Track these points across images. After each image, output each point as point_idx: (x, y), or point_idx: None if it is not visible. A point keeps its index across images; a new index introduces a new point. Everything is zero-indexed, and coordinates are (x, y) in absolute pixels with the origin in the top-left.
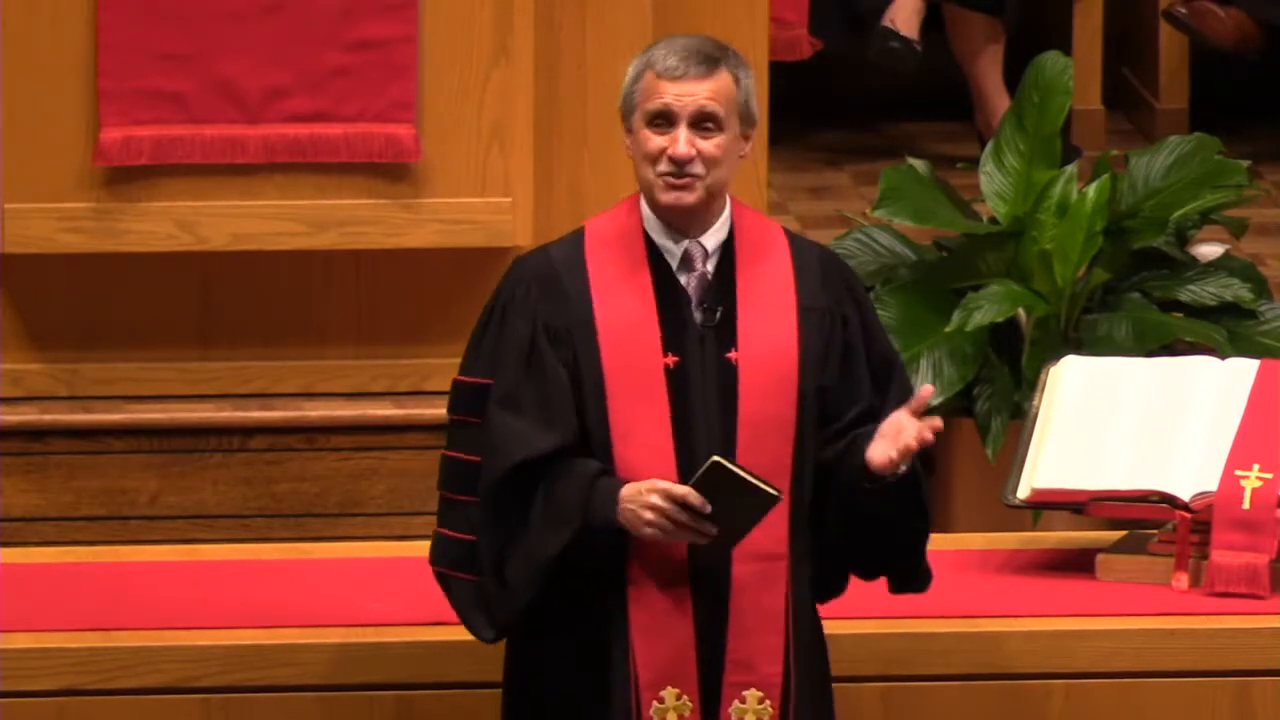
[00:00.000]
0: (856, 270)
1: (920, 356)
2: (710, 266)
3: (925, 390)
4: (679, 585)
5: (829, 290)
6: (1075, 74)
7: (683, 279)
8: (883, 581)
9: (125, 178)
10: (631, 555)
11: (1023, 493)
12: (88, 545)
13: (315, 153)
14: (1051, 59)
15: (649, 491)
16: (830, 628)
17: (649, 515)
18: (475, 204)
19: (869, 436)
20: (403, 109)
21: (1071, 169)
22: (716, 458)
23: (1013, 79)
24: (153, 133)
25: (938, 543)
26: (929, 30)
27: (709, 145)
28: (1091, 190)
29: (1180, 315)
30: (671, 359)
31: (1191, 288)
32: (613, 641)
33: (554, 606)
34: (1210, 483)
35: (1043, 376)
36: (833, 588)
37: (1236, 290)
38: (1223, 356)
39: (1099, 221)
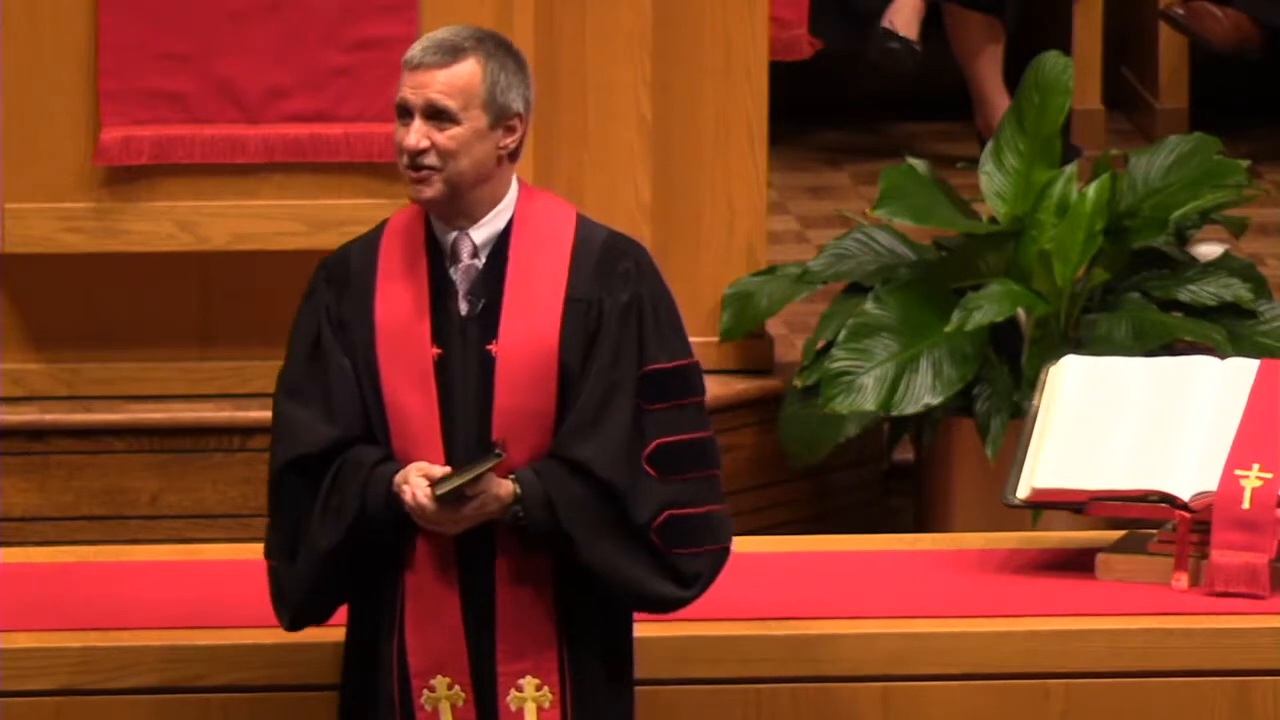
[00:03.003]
0: (856, 270)
1: (920, 356)
2: (483, 257)
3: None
4: (448, 577)
5: (601, 279)
6: (1075, 74)
7: (452, 271)
8: (881, 581)
9: (125, 177)
10: (410, 546)
11: (1022, 492)
12: (88, 545)
13: (315, 153)
14: (1051, 59)
15: (413, 470)
16: (830, 628)
17: (406, 499)
18: None
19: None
20: None
21: (1071, 169)
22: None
23: (1013, 79)
24: (153, 132)
25: (938, 543)
26: (929, 30)
27: (442, 137)
28: (1091, 190)
29: (1180, 315)
30: (435, 350)
31: (1191, 288)
32: (384, 631)
33: (344, 599)
34: (1210, 482)
35: (1043, 376)
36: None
37: (1236, 290)
38: (1223, 356)
39: (1099, 221)
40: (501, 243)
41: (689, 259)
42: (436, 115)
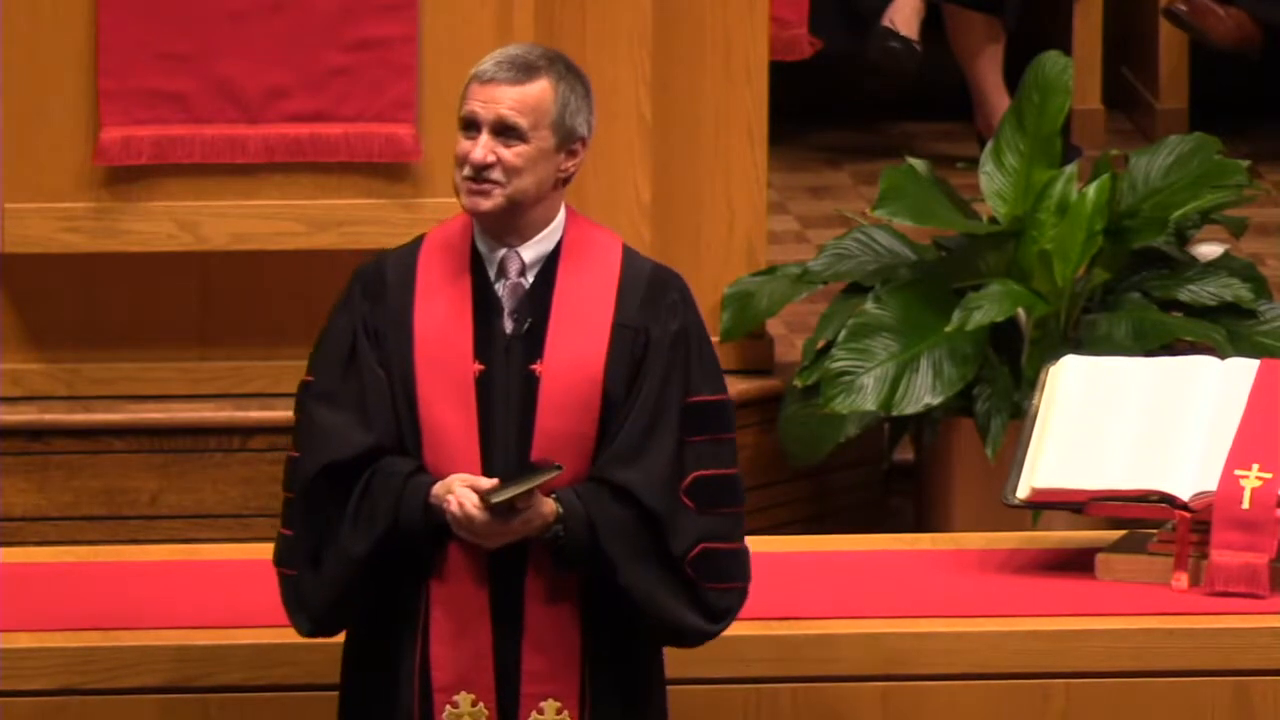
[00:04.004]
0: (856, 270)
1: (920, 356)
2: (530, 277)
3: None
4: (479, 593)
5: (649, 309)
6: (1075, 74)
7: (498, 287)
8: (881, 581)
9: (125, 177)
10: (440, 558)
11: (1023, 492)
12: (88, 545)
13: (315, 153)
14: (1051, 59)
15: (456, 481)
16: (830, 628)
17: (452, 505)
18: None
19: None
20: (403, 109)
21: (1071, 169)
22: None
23: (1013, 79)
24: (153, 132)
25: (938, 543)
26: (929, 30)
27: (509, 154)
28: (1091, 190)
29: (1180, 315)
30: (478, 366)
31: (1191, 288)
32: (406, 641)
33: (367, 607)
34: (1210, 482)
35: (1043, 376)
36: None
37: (1236, 290)
38: (1223, 356)
39: (1099, 221)
40: (549, 264)
41: (689, 259)
42: (505, 131)
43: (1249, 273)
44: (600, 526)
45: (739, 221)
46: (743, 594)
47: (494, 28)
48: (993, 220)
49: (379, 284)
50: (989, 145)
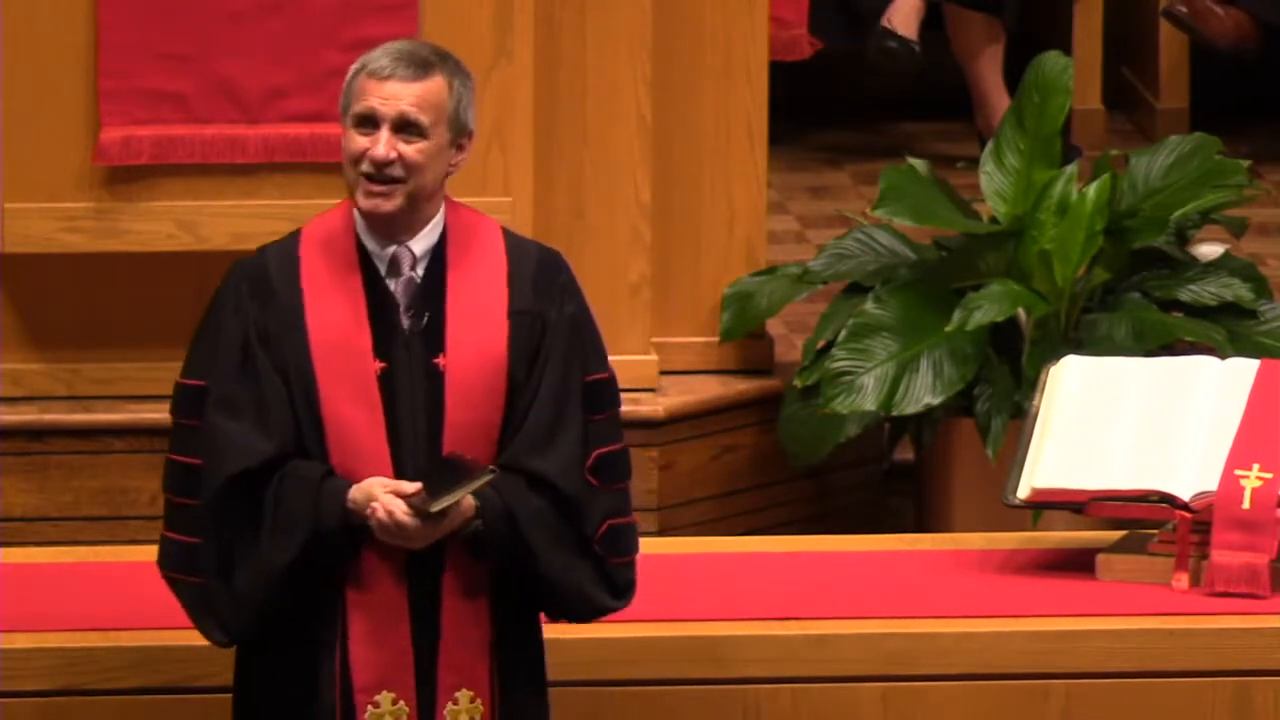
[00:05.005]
0: (856, 270)
1: (920, 356)
2: (420, 271)
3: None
4: (398, 593)
5: (541, 294)
6: (1075, 74)
7: (391, 284)
8: (881, 581)
9: (125, 177)
10: (355, 561)
11: (1023, 492)
12: (88, 545)
13: (315, 153)
14: (1051, 59)
15: (377, 487)
16: (830, 628)
17: (380, 514)
18: (475, 203)
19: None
20: None
21: (1071, 169)
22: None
23: (1013, 79)
24: (153, 132)
25: (938, 543)
26: (929, 30)
27: (410, 150)
28: (1091, 190)
29: (1180, 315)
30: (379, 365)
31: (1191, 288)
32: (324, 645)
33: (285, 614)
34: (1210, 482)
35: (1043, 376)
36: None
37: (1236, 290)
38: (1223, 356)
39: (1099, 221)
40: (437, 256)
41: (689, 259)
42: (405, 128)
43: (1249, 273)
44: (520, 517)
45: (739, 221)
46: (635, 566)
47: (493, 28)
48: (993, 220)
49: (264, 284)
50: (989, 145)
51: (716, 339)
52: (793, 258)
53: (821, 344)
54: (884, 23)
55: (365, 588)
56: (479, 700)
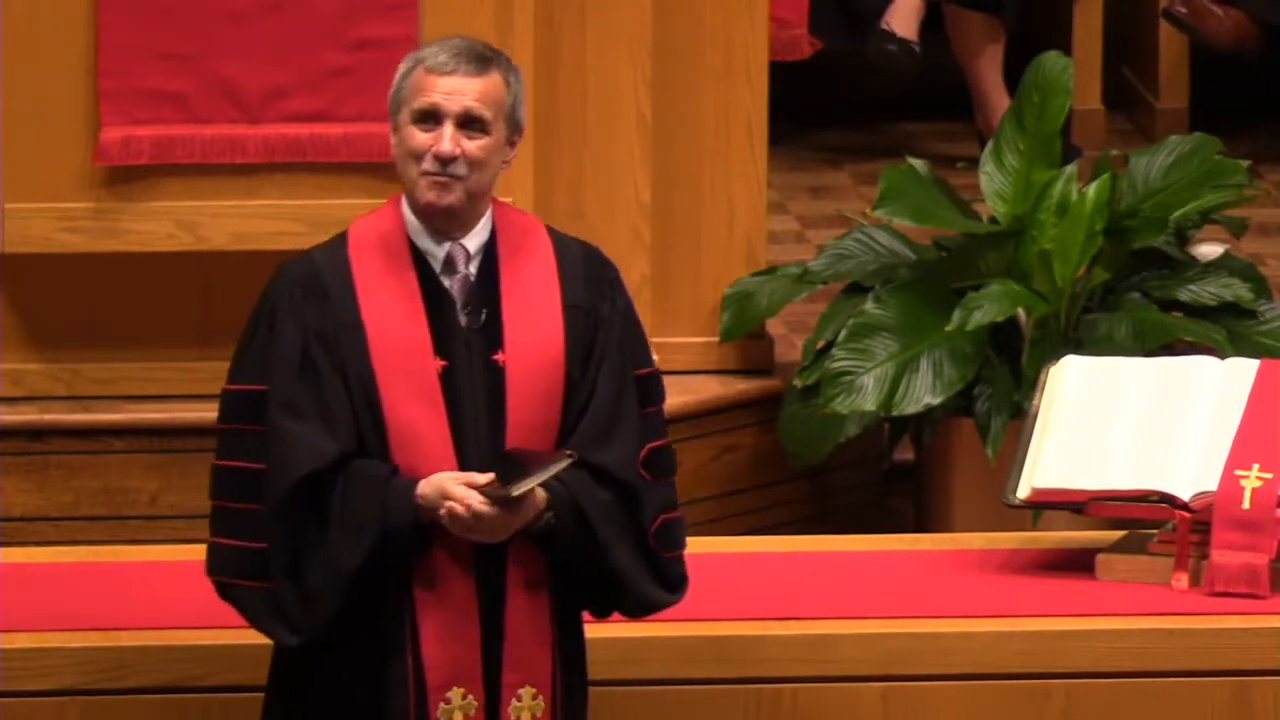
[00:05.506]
0: (856, 270)
1: (920, 356)
2: (473, 268)
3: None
4: (466, 590)
5: (593, 288)
6: (1075, 74)
7: (446, 282)
8: (881, 581)
9: (125, 177)
10: (425, 559)
11: (1023, 492)
12: (88, 545)
13: (315, 153)
14: (1051, 59)
15: (448, 481)
16: (830, 628)
17: (456, 507)
18: None
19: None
20: None
21: (1071, 169)
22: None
23: (1013, 79)
24: (153, 132)
25: (938, 543)
26: (929, 30)
27: (473, 147)
28: (1091, 190)
29: (1180, 315)
30: (440, 363)
31: (1191, 288)
32: (394, 645)
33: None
34: (1210, 482)
35: (1043, 376)
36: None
37: (1236, 290)
38: (1223, 356)
39: (1099, 221)
40: (489, 253)
41: (689, 259)
42: (469, 124)
43: (1249, 273)
44: (589, 510)
45: (739, 221)
46: (684, 561)
47: (493, 28)
48: (993, 220)
49: (317, 286)
50: (989, 145)
51: (716, 339)
52: (793, 258)
53: (821, 344)
54: (884, 24)
55: (435, 586)
56: (541, 697)
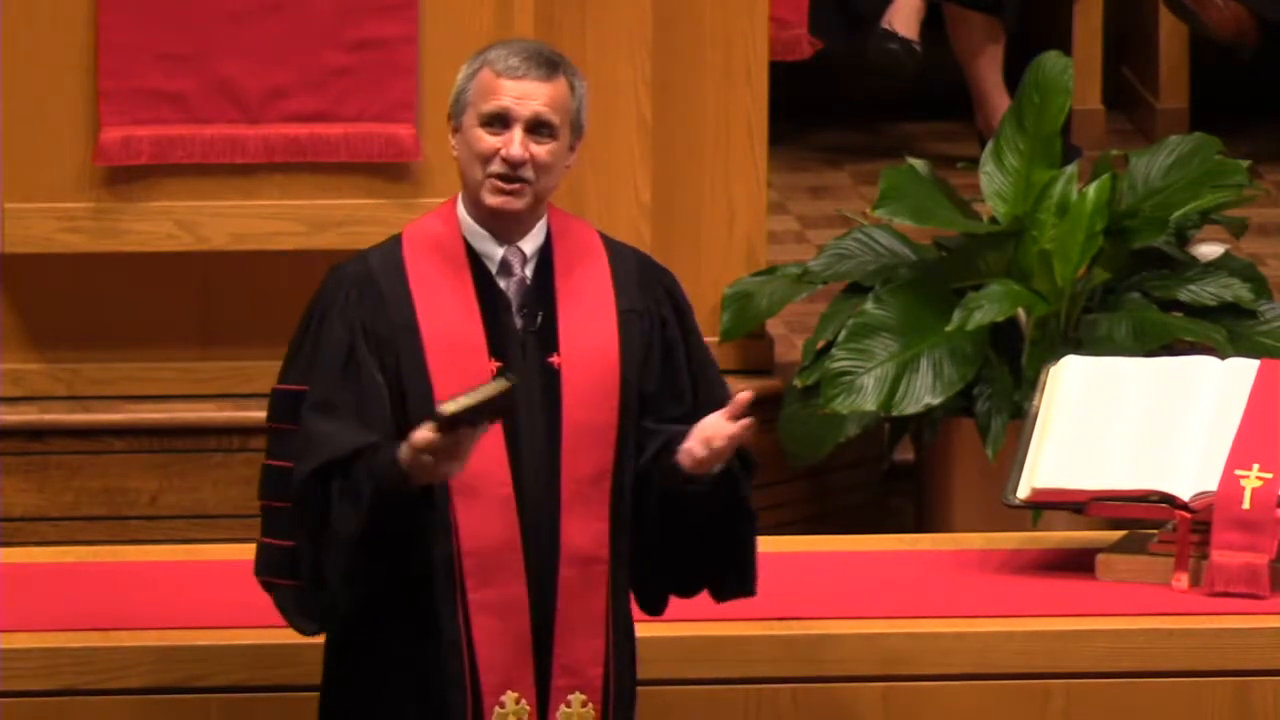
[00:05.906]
0: (856, 270)
1: (920, 356)
2: (529, 271)
3: (743, 396)
4: (516, 590)
5: (647, 293)
6: (1075, 74)
7: (502, 284)
8: (881, 581)
9: (125, 178)
10: (466, 563)
11: (1023, 492)
12: (88, 545)
13: (315, 153)
14: (1051, 59)
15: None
16: (830, 628)
17: (420, 451)
18: None
19: (683, 438)
20: (403, 109)
21: (1071, 169)
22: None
23: (1013, 79)
24: (153, 132)
25: (938, 543)
26: (929, 30)
27: (542, 151)
28: (1091, 190)
29: (1180, 315)
30: (494, 364)
31: (1191, 288)
32: (448, 648)
33: (382, 612)
34: (1210, 482)
35: (1043, 376)
36: (655, 598)
37: (1236, 290)
38: (1223, 356)
39: (1099, 221)
40: (544, 256)
41: (689, 259)
42: (538, 129)
43: (1249, 273)
44: (738, 474)
45: (739, 221)
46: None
47: (494, 28)
48: (993, 220)
49: (372, 287)
50: (989, 145)
51: (717, 339)
52: (793, 258)
53: (821, 344)
54: (884, 24)
55: (487, 590)
56: (591, 705)
